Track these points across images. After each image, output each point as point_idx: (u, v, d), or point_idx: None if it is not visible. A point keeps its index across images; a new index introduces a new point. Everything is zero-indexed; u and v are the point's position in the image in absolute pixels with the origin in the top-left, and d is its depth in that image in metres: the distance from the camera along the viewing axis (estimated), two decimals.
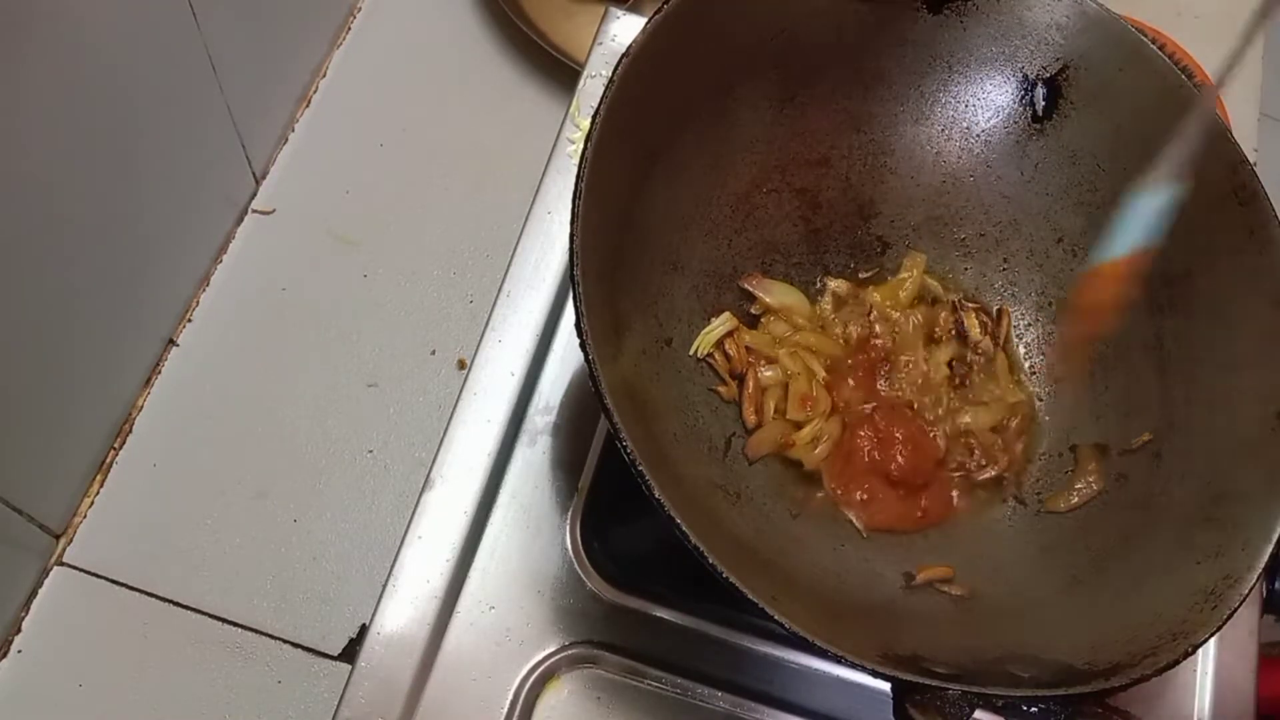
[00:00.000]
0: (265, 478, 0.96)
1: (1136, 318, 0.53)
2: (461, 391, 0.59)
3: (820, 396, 0.55)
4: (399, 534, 0.55)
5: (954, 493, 0.54)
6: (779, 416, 0.54)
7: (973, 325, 0.57)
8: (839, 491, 0.53)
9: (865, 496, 0.53)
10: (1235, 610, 0.43)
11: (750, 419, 0.54)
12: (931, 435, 0.55)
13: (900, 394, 0.56)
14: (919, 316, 0.57)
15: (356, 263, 1.07)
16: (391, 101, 1.15)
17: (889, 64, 0.55)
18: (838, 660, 0.40)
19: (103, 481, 0.94)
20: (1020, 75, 0.55)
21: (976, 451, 0.55)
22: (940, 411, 0.56)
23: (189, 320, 1.02)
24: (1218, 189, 0.50)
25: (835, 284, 0.58)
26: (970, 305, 0.57)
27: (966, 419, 0.55)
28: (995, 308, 0.58)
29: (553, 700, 0.53)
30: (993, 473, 0.54)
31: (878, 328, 0.57)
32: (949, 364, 0.57)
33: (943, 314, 0.57)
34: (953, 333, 0.57)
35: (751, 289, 0.56)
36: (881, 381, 0.56)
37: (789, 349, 0.55)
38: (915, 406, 0.56)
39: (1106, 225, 0.47)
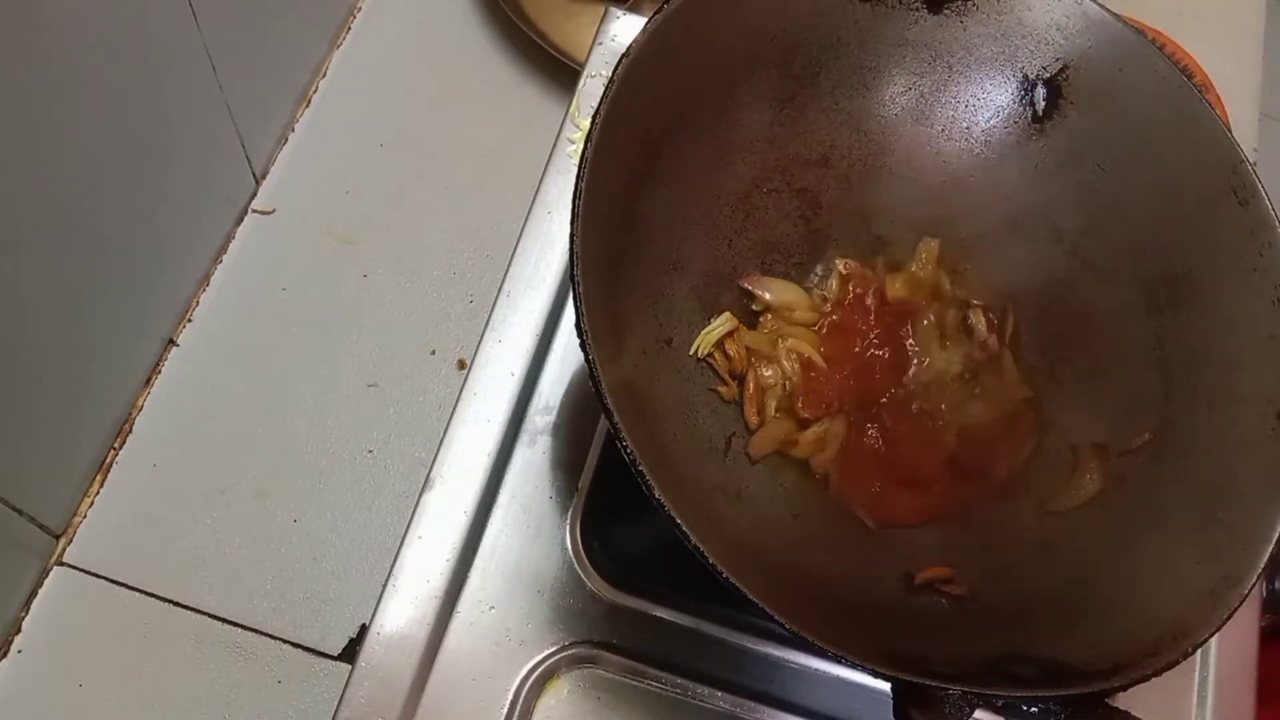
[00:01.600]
0: (265, 478, 0.96)
1: (1136, 318, 0.53)
2: (461, 391, 0.59)
3: (823, 396, 0.55)
4: (399, 534, 0.55)
5: (961, 491, 0.54)
6: (781, 415, 0.54)
7: (979, 322, 0.57)
8: (847, 491, 0.53)
9: (874, 495, 0.53)
10: (1235, 610, 0.43)
11: (753, 420, 0.54)
12: (938, 434, 0.55)
13: (907, 392, 0.56)
14: (932, 316, 0.57)
15: (356, 263, 1.07)
16: (391, 101, 1.15)
17: (889, 64, 0.55)
18: (838, 660, 0.40)
19: (103, 481, 0.94)
20: (1020, 75, 0.55)
21: (984, 450, 0.54)
22: (947, 410, 0.56)
23: (189, 320, 1.02)
24: (1218, 189, 0.50)
25: (843, 264, 0.57)
26: (976, 303, 0.57)
27: (974, 417, 0.55)
28: (1001, 306, 0.58)
29: (553, 700, 0.53)
30: (1001, 471, 0.54)
31: (887, 323, 0.57)
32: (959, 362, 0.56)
33: (950, 312, 0.57)
34: (960, 330, 0.57)
35: (751, 288, 0.56)
36: (889, 379, 0.56)
37: (788, 350, 0.55)
38: (920, 405, 0.56)
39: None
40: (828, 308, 0.57)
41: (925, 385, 0.56)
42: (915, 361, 0.57)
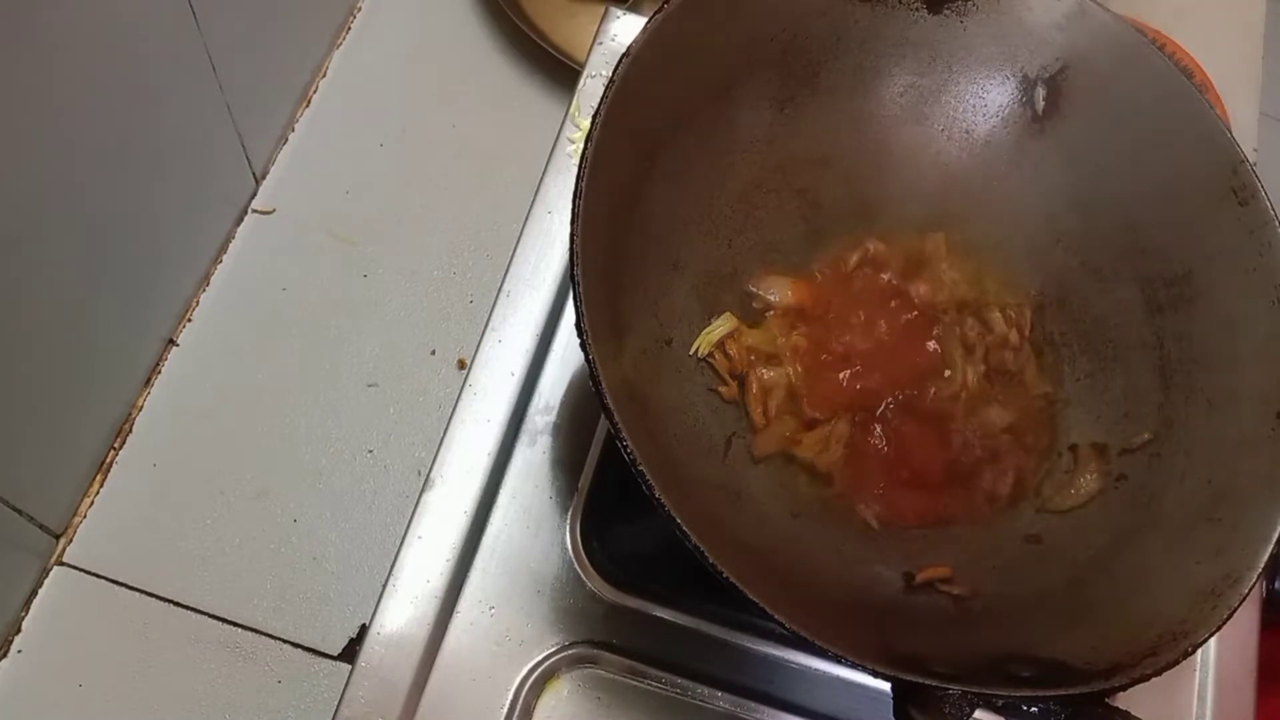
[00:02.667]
0: (265, 478, 0.96)
1: (1136, 318, 0.53)
2: (461, 391, 0.59)
3: (830, 396, 0.54)
4: (399, 534, 0.55)
5: (968, 493, 0.54)
6: (786, 415, 0.54)
7: (996, 319, 0.56)
8: (851, 491, 0.53)
9: (878, 496, 0.53)
10: (1235, 610, 0.43)
11: (758, 420, 0.53)
12: (947, 437, 0.54)
13: (919, 393, 0.55)
14: (958, 327, 0.56)
15: (356, 263, 1.07)
16: (391, 101, 1.15)
17: (889, 64, 0.55)
18: (838, 660, 0.40)
19: (103, 481, 0.94)
20: (1020, 75, 0.55)
21: (993, 452, 0.54)
22: (961, 412, 0.55)
23: (189, 320, 1.02)
24: (1218, 189, 0.50)
25: (873, 245, 0.57)
26: (990, 299, 0.57)
27: (987, 419, 0.55)
28: (1016, 303, 0.57)
29: (553, 700, 0.53)
30: (1011, 474, 0.54)
31: (905, 322, 0.56)
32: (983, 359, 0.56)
33: (967, 313, 0.57)
34: (978, 329, 0.56)
35: (757, 290, 0.56)
36: (905, 379, 0.56)
37: (792, 350, 0.55)
38: (931, 406, 0.55)
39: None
40: (831, 283, 0.56)
41: (945, 385, 0.56)
42: (942, 364, 0.56)
